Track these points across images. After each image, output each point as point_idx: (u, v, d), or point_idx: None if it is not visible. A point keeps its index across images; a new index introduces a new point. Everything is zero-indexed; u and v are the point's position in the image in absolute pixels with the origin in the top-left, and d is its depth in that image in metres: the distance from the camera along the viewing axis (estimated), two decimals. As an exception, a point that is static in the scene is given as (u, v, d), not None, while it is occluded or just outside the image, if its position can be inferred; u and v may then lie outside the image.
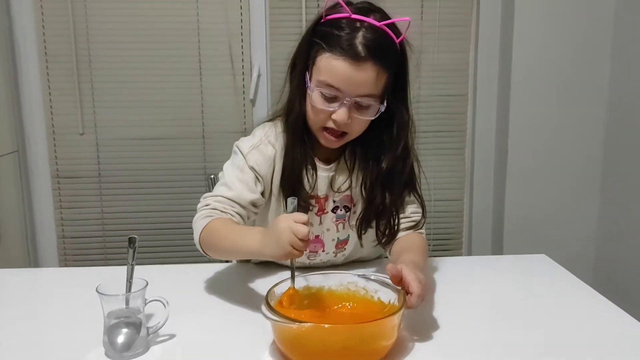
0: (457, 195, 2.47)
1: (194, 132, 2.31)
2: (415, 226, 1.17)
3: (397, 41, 1.04)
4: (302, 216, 0.89)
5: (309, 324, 0.81)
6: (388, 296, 0.93)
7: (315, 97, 1.04)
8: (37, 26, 2.21)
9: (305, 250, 0.93)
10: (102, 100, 2.28)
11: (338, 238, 1.19)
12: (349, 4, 1.05)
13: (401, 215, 1.16)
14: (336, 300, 0.97)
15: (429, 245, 2.44)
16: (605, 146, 2.25)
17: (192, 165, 2.32)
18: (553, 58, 2.20)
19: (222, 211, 1.08)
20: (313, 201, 1.15)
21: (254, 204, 1.12)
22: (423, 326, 0.96)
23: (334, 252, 1.21)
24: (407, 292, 0.89)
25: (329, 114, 1.04)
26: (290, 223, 0.88)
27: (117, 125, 2.29)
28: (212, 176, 1.54)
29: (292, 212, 0.92)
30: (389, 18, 1.05)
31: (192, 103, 2.30)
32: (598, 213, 2.30)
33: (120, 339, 0.86)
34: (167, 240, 2.35)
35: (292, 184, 1.12)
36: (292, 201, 0.95)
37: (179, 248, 2.35)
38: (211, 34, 2.26)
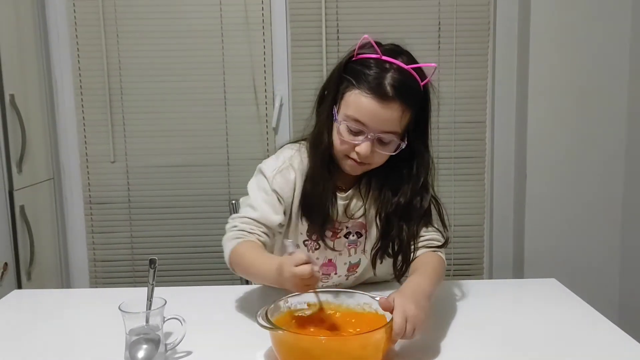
0: (477, 221, 2.49)
1: (218, 160, 2.40)
2: (434, 247, 1.20)
3: (422, 84, 1.10)
4: (300, 258, 0.94)
5: (282, 330, 0.89)
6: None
7: (342, 130, 1.10)
8: (72, 61, 2.35)
9: (319, 279, 0.98)
10: (133, 130, 2.39)
11: (350, 262, 1.24)
12: (378, 44, 1.12)
13: (421, 239, 1.19)
14: (350, 318, 1.01)
15: (449, 269, 2.47)
16: (626, 171, 2.25)
17: (217, 192, 2.41)
18: (569, 83, 2.23)
19: (249, 232, 1.15)
20: (330, 225, 1.20)
21: (278, 225, 1.18)
22: (418, 350, 0.99)
23: (345, 275, 1.26)
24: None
25: (353, 146, 1.10)
26: (291, 270, 0.93)
27: (146, 154, 2.40)
28: (234, 201, 1.60)
29: (292, 252, 0.97)
30: (415, 61, 1.12)
31: (217, 132, 2.39)
32: (620, 237, 2.29)
33: (141, 354, 0.93)
34: (192, 264, 2.42)
35: (313, 208, 1.17)
36: (289, 243, 1.00)
37: (204, 272, 2.42)
38: (235, 66, 2.36)
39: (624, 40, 2.20)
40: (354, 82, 1.09)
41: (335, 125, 1.12)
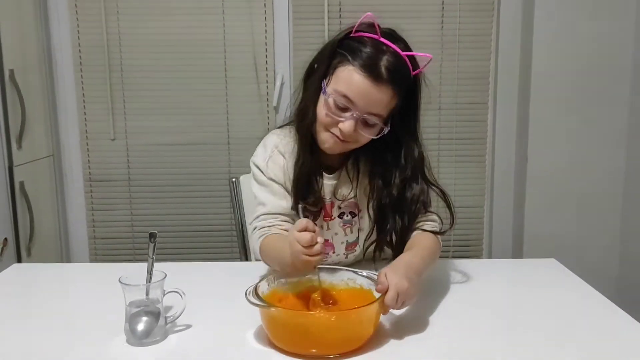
0: (477, 202, 2.49)
1: (219, 138, 2.39)
2: (431, 231, 1.18)
3: (413, 73, 1.09)
4: (300, 224, 0.95)
5: (274, 308, 0.90)
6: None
7: (329, 102, 1.09)
8: (72, 38, 2.33)
9: (324, 251, 0.98)
10: (133, 108, 2.38)
11: (347, 241, 1.24)
12: (378, 26, 1.10)
13: (418, 224, 1.18)
14: (338, 294, 1.02)
15: (448, 251, 2.48)
16: (628, 152, 2.25)
17: (217, 170, 2.40)
18: (573, 65, 2.21)
19: (268, 227, 1.17)
20: (321, 208, 1.19)
21: (291, 208, 1.18)
22: (409, 325, 1.00)
23: (344, 254, 1.26)
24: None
25: (337, 122, 1.09)
26: (291, 237, 0.95)
27: (146, 132, 2.39)
28: (234, 179, 1.60)
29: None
30: (411, 50, 1.11)
31: (217, 110, 2.38)
32: (620, 219, 2.29)
33: (140, 326, 0.93)
34: (192, 242, 2.43)
35: (302, 188, 1.17)
36: (300, 211, 1.02)
37: (204, 249, 2.43)
38: (237, 44, 2.34)
39: (629, 19, 2.18)
40: (349, 58, 1.07)
41: (322, 97, 1.11)
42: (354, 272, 1.03)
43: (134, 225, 2.45)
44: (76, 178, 2.43)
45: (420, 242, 1.14)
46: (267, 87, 2.38)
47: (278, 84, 2.35)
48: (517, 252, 2.37)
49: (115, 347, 0.92)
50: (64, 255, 2.43)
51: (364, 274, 1.02)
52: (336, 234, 1.23)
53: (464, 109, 2.40)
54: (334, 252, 1.24)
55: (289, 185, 1.19)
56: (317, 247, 0.95)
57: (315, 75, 1.13)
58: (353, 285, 1.02)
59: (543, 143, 2.26)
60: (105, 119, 2.38)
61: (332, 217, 1.22)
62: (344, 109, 1.08)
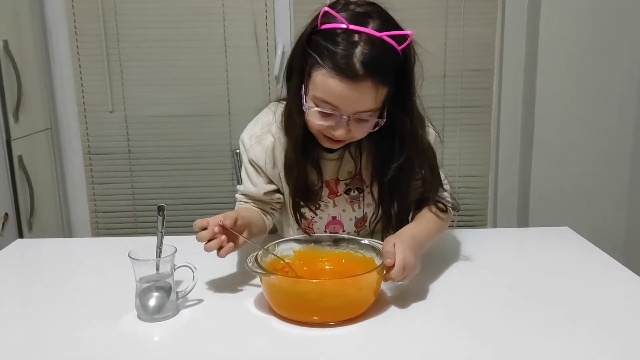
0: (482, 171, 2.46)
1: (220, 109, 2.35)
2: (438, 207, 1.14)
3: (400, 48, 0.96)
4: (196, 225, 0.95)
5: (275, 276, 0.89)
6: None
7: (312, 114, 1.00)
8: (67, 6, 2.26)
9: (215, 234, 0.95)
10: (131, 79, 2.32)
11: (355, 217, 1.20)
12: (346, 6, 0.98)
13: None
14: (334, 261, 1.02)
15: (453, 221, 2.45)
16: (637, 120, 2.21)
17: (218, 142, 2.36)
18: (582, 30, 2.16)
19: (244, 203, 1.17)
20: (322, 190, 1.15)
21: (263, 194, 1.14)
22: (412, 293, 0.99)
23: (355, 231, 1.22)
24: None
25: (328, 128, 1.01)
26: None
27: (145, 103, 2.34)
28: (237, 151, 1.56)
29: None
30: (392, 22, 0.97)
31: (218, 81, 2.33)
32: (627, 188, 2.27)
33: (152, 302, 0.91)
34: (195, 214, 2.40)
35: (294, 180, 1.12)
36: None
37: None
38: (236, 12, 2.28)
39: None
40: (319, 61, 0.95)
41: (304, 109, 1.01)
42: (356, 240, 1.02)
43: (135, 199, 2.43)
44: (75, 151, 2.39)
45: (429, 215, 1.11)
46: (267, 56, 2.32)
47: (279, 53, 2.30)
48: (522, 221, 2.36)
49: (126, 324, 0.90)
50: (66, 229, 2.40)
51: (366, 242, 1.01)
52: (344, 210, 1.19)
53: (469, 77, 2.36)
54: (343, 230, 1.21)
55: (271, 168, 1.14)
56: (203, 234, 0.93)
57: (293, 81, 1.04)
58: (356, 253, 1.01)
59: (550, 110, 2.23)
60: (102, 90, 2.33)
61: (338, 194, 1.17)
62: (330, 115, 0.98)
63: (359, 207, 1.19)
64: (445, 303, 0.96)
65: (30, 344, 0.85)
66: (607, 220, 2.28)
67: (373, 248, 0.99)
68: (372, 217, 1.18)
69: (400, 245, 0.94)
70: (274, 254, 0.98)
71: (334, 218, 1.19)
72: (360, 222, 1.21)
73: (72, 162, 2.40)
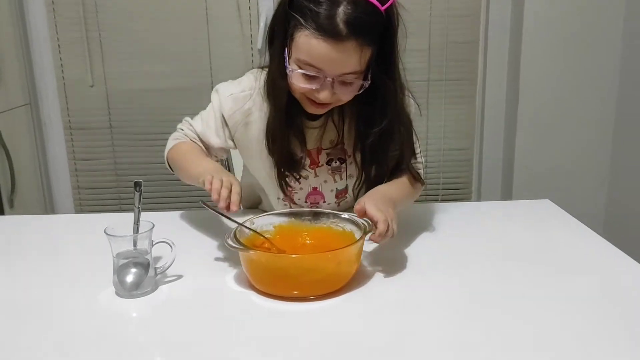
0: (466, 144, 2.46)
1: (202, 83, 2.31)
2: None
3: (383, 9, 0.96)
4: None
5: (253, 251, 0.89)
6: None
7: (295, 77, 0.99)
8: (42, -24, 2.19)
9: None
10: (111, 52, 2.28)
11: (337, 188, 1.20)
12: None
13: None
14: (314, 235, 1.02)
15: (437, 194, 2.47)
16: (619, 95, 2.22)
17: (201, 116, 2.33)
18: (568, 2, 2.14)
19: (192, 140, 1.17)
20: (304, 158, 1.14)
21: (219, 148, 1.17)
22: (393, 266, 0.99)
23: (336, 202, 1.22)
24: (373, 223, 0.93)
25: (312, 91, 1.00)
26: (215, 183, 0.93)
27: (126, 77, 2.30)
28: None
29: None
30: None
31: (200, 54, 2.29)
32: (610, 163, 2.28)
33: (129, 278, 0.90)
34: (179, 190, 2.39)
35: (279, 148, 1.10)
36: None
37: (191, 197, 2.39)
38: (217, -18, 2.23)
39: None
40: (302, 22, 0.94)
41: (288, 73, 1.01)
42: (335, 214, 1.02)
43: (118, 174, 2.40)
44: (55, 127, 2.35)
45: (400, 180, 1.14)
46: (250, 28, 2.28)
47: (262, 25, 2.25)
48: (507, 194, 2.37)
49: (104, 300, 0.90)
50: (48, 206, 2.38)
51: (346, 215, 1.00)
52: (325, 181, 1.18)
53: (454, 48, 2.34)
54: (324, 202, 1.21)
55: (235, 131, 1.15)
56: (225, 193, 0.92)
57: (276, 44, 1.02)
58: (335, 228, 1.01)
59: (535, 83, 2.22)
60: (82, 64, 2.28)
61: (320, 164, 1.17)
62: (314, 78, 0.98)
63: (341, 179, 1.19)
64: (427, 274, 0.97)
65: (6, 321, 0.84)
66: (589, 194, 2.30)
67: (353, 222, 0.99)
68: (355, 183, 1.18)
69: (371, 202, 0.95)
70: (253, 229, 0.98)
71: (314, 189, 1.19)
72: (341, 194, 1.21)
73: (52, 138, 2.36)
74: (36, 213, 2.25)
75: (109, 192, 2.42)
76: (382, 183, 1.13)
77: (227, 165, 1.52)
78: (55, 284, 0.96)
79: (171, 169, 1.19)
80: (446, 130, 2.41)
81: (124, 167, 2.40)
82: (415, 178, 1.15)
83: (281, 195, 1.19)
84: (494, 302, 0.87)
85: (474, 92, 2.40)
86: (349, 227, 0.99)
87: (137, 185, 0.95)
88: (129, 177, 2.39)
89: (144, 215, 0.93)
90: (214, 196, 0.92)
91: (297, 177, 1.15)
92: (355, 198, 1.19)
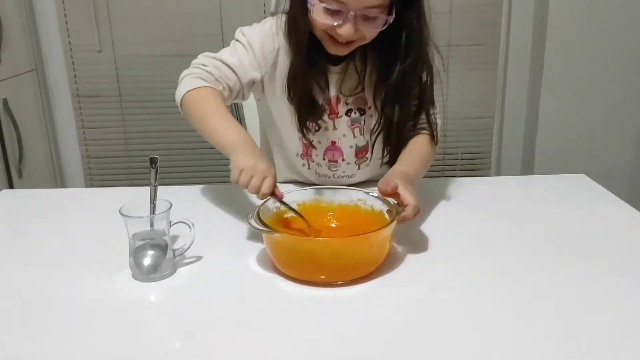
0: (487, 112, 2.37)
1: (213, 48, 2.22)
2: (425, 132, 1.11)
3: None
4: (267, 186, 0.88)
5: (279, 233, 0.83)
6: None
7: (317, 12, 0.96)
8: None
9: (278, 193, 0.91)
10: (119, 16, 2.19)
11: (356, 144, 1.15)
12: None
13: (422, 122, 1.11)
14: (342, 215, 0.96)
15: (455, 164, 2.40)
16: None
17: (213, 83, 2.25)
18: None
19: (216, 79, 1.05)
20: (324, 106, 1.09)
21: (250, 83, 1.08)
22: (424, 247, 0.94)
23: (355, 163, 1.16)
24: (401, 205, 0.88)
25: (334, 27, 0.97)
26: (258, 180, 0.87)
27: (134, 43, 2.22)
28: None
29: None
30: None
31: (211, 17, 2.20)
32: (636, 132, 2.19)
33: (147, 261, 0.85)
34: (191, 160, 2.34)
35: (300, 90, 1.06)
36: None
37: (203, 168, 2.34)
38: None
39: None
40: None
41: (309, 7, 0.97)
42: (364, 192, 0.96)
43: (128, 144, 2.34)
44: (63, 94, 2.29)
45: (414, 150, 1.09)
46: (263, -10, 2.18)
47: (275, -14, 2.15)
48: (528, 164, 2.30)
49: (120, 283, 0.84)
50: (58, 176, 2.33)
51: (375, 194, 0.94)
52: (344, 135, 1.13)
53: (476, 12, 2.23)
54: (343, 159, 1.15)
55: (266, 70, 1.07)
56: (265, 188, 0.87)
57: None
58: (364, 206, 0.95)
59: (561, 46, 2.12)
60: (89, 28, 2.20)
61: (339, 115, 1.11)
62: (337, 12, 0.95)
63: (360, 133, 1.14)
64: (464, 256, 0.91)
65: (15, 306, 0.79)
66: (617, 166, 2.22)
67: (382, 200, 0.93)
68: (374, 127, 1.12)
69: (402, 182, 0.90)
70: (289, 203, 0.92)
71: (333, 143, 1.14)
72: (361, 152, 1.15)
73: (60, 105, 2.30)
74: (45, 183, 2.21)
75: (119, 161, 2.37)
76: (402, 132, 1.09)
77: (238, 116, 1.45)
78: (66, 263, 0.91)
79: (181, 110, 1.07)
80: (466, 97, 2.32)
81: (134, 137, 2.34)
82: (433, 137, 1.11)
83: (300, 150, 1.15)
84: (538, 286, 0.82)
85: (497, 57, 2.30)
86: (378, 205, 0.93)
87: (152, 162, 0.89)
88: (139, 147, 2.34)
89: (159, 190, 0.88)
90: (244, 188, 0.88)
91: (317, 127, 1.10)
92: (372, 146, 1.13)
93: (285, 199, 0.92)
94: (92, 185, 2.39)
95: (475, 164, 2.45)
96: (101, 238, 0.99)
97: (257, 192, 0.88)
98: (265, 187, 0.87)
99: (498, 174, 2.41)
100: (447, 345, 0.70)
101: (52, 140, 2.29)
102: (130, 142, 2.34)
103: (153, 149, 2.28)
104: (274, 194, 0.89)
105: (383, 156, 1.15)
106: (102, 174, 2.40)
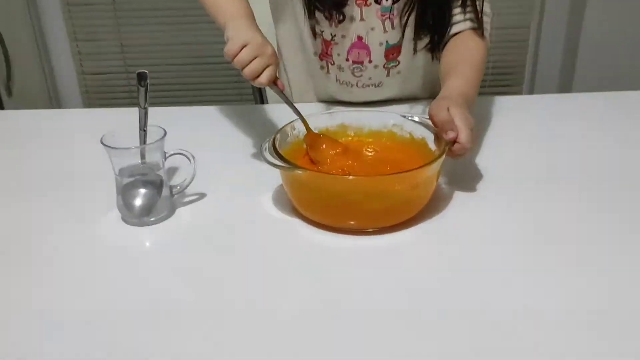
0: (522, 22, 2.13)
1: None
2: (472, 25, 0.93)
3: None
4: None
5: (302, 170, 0.66)
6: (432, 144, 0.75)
7: None
8: None
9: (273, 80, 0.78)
10: None
11: (387, 42, 0.97)
12: None
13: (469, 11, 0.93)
14: (375, 144, 0.80)
15: (485, 80, 2.19)
16: None
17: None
18: None
19: None
20: None
21: None
22: (475, 184, 0.78)
23: (384, 67, 0.99)
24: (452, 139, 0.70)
25: None
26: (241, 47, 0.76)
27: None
28: None
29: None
30: None
31: None
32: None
33: (138, 201, 0.70)
34: (193, 77, 2.15)
35: None
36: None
37: (208, 86, 2.15)
38: None
39: None
40: None
41: None
42: (402, 116, 0.79)
43: (125, 57, 2.16)
44: (52, 1, 2.07)
45: (466, 56, 0.90)
46: None
47: None
48: (566, 81, 2.09)
49: (108, 227, 0.70)
50: (53, 94, 2.16)
51: (416, 119, 0.77)
52: (372, 29, 0.95)
53: None
54: (370, 61, 0.98)
55: None
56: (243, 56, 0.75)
57: None
58: (401, 133, 0.79)
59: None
60: None
61: (368, 2, 0.93)
62: None
63: (392, 27, 0.95)
64: (520, 198, 0.75)
65: (-15, 257, 0.66)
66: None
67: (424, 125, 0.76)
68: (404, 9, 0.93)
69: (456, 109, 0.71)
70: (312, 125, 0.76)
71: (359, 39, 0.96)
72: (391, 53, 0.98)
73: (49, 14, 2.10)
74: (40, 102, 2.04)
75: (116, 77, 2.20)
76: (443, 12, 0.92)
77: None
78: (52, 202, 0.76)
79: None
80: (499, 3, 2.07)
81: (131, 50, 2.15)
82: (482, 35, 0.93)
83: (319, 49, 0.98)
84: (603, 235, 0.66)
85: (537, -43, 2.03)
86: (419, 132, 0.76)
87: (141, 78, 0.72)
88: (137, 62, 2.16)
89: (154, 113, 0.72)
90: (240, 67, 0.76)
91: (341, 17, 0.93)
92: (403, 30, 0.95)
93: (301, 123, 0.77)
94: (89, 105, 2.22)
95: (506, 79, 2.24)
96: (92, 169, 0.83)
97: (254, 77, 0.75)
98: (265, 76, 0.76)
99: (531, 90, 2.21)
100: (497, 311, 0.55)
101: (43, 54, 2.10)
102: (128, 57, 2.16)
103: (151, 64, 2.08)
104: (274, 83, 0.77)
105: (415, 52, 0.97)
106: (99, 90, 2.23)
